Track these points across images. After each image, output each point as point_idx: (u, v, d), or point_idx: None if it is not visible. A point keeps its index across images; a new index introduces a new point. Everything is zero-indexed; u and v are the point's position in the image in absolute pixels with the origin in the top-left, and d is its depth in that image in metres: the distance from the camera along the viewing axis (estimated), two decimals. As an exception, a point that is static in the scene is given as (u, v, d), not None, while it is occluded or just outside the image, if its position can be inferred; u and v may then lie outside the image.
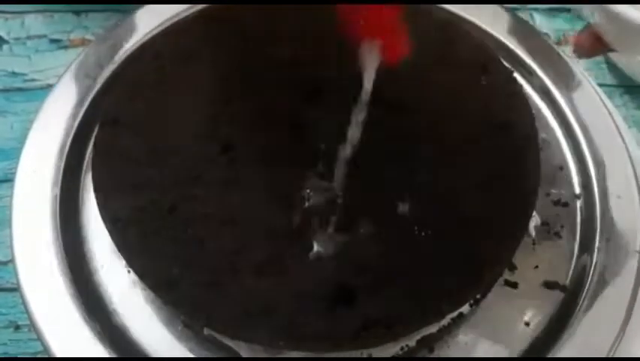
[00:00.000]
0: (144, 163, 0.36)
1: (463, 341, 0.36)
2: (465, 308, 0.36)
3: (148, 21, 0.46)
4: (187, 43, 0.41)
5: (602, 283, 0.36)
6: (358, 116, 0.35)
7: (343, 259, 0.33)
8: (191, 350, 0.35)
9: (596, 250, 0.38)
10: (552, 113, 0.44)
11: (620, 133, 0.42)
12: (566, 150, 0.43)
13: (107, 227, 0.34)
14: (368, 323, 0.31)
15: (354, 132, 0.35)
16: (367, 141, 0.37)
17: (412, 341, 0.35)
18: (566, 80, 0.44)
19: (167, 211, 0.35)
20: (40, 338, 0.34)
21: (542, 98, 0.45)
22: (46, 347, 0.34)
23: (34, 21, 0.57)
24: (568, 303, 0.37)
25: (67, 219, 0.38)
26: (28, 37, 0.56)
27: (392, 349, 0.35)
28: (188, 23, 0.44)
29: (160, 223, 0.34)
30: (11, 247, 0.36)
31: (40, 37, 0.56)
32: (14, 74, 0.54)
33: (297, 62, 0.40)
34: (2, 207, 0.48)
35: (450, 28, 0.43)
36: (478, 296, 0.36)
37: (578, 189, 0.41)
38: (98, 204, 0.35)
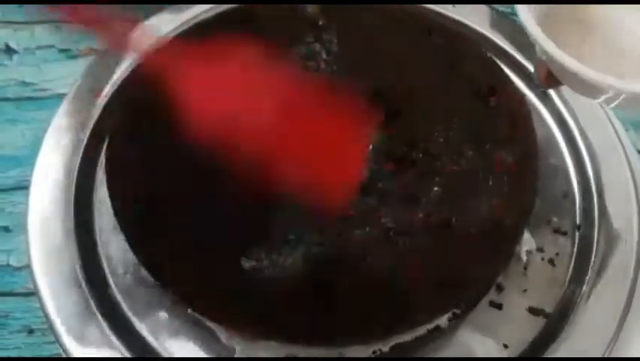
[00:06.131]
0: (157, 152, 0.38)
1: (439, 355, 0.36)
2: (442, 322, 0.36)
3: (156, 29, 0.47)
4: (198, 49, 0.42)
5: (588, 316, 0.36)
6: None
7: (327, 260, 0.34)
8: (200, 348, 0.36)
9: (586, 281, 0.38)
10: (562, 136, 0.44)
11: (630, 167, 0.41)
12: (573, 178, 0.43)
13: (113, 205, 0.35)
14: (340, 323, 0.32)
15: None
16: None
17: (385, 347, 0.35)
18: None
19: (173, 199, 0.36)
20: (57, 340, 0.35)
21: (552, 116, 0.45)
22: (63, 349, 0.35)
23: (43, 31, 0.58)
24: (549, 331, 0.36)
25: (81, 223, 0.39)
26: (38, 48, 0.57)
27: (364, 352, 0.35)
28: (198, 29, 0.45)
29: (164, 208, 0.35)
30: (27, 251, 0.37)
31: (49, 47, 0.57)
32: (25, 83, 0.55)
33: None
34: (17, 213, 0.49)
35: (461, 42, 0.43)
36: (457, 312, 0.36)
37: (579, 220, 0.41)
38: (108, 182, 0.36)
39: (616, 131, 0.43)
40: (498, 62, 0.43)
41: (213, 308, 0.33)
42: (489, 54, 0.43)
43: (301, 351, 0.34)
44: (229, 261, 0.34)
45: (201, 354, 0.36)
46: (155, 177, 0.37)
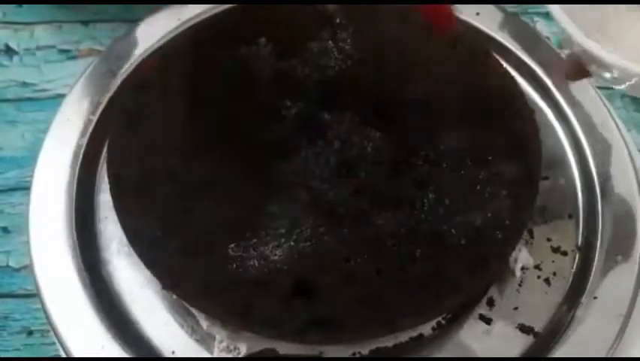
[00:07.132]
0: (158, 130, 0.38)
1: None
2: (426, 330, 0.35)
3: (156, 30, 0.47)
4: (197, 49, 0.42)
5: (577, 339, 0.35)
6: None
7: (314, 257, 0.34)
8: (207, 349, 0.36)
9: (580, 305, 0.36)
10: (566, 141, 0.43)
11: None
12: (580, 198, 0.41)
13: (109, 181, 0.36)
14: (319, 322, 0.32)
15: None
16: (364, 151, 0.38)
17: (364, 350, 0.35)
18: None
19: (166, 177, 0.36)
20: (58, 340, 0.35)
21: (550, 107, 0.44)
22: (64, 349, 0.35)
23: (43, 32, 0.58)
24: (537, 350, 0.36)
25: (83, 223, 0.39)
26: (38, 48, 0.57)
27: (344, 353, 0.35)
28: (195, 30, 0.45)
29: (157, 188, 0.36)
30: (29, 252, 0.37)
31: (49, 47, 0.57)
32: (25, 84, 0.55)
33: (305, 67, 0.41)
34: (15, 214, 0.48)
35: (482, 56, 0.42)
36: (442, 321, 0.36)
37: (580, 241, 0.40)
38: (107, 157, 0.37)
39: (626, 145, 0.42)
40: (507, 67, 0.43)
41: (195, 295, 0.33)
42: (505, 66, 0.43)
43: (280, 346, 0.34)
44: (217, 247, 0.34)
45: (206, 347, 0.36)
46: (154, 165, 0.37)
